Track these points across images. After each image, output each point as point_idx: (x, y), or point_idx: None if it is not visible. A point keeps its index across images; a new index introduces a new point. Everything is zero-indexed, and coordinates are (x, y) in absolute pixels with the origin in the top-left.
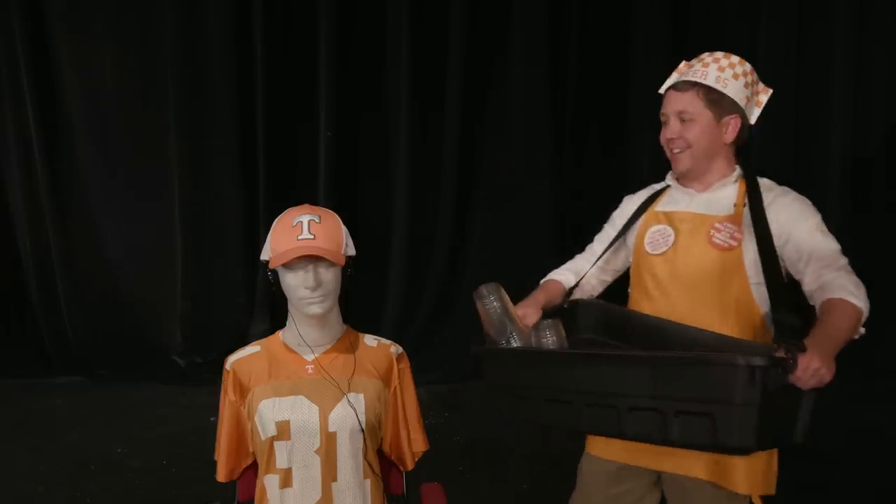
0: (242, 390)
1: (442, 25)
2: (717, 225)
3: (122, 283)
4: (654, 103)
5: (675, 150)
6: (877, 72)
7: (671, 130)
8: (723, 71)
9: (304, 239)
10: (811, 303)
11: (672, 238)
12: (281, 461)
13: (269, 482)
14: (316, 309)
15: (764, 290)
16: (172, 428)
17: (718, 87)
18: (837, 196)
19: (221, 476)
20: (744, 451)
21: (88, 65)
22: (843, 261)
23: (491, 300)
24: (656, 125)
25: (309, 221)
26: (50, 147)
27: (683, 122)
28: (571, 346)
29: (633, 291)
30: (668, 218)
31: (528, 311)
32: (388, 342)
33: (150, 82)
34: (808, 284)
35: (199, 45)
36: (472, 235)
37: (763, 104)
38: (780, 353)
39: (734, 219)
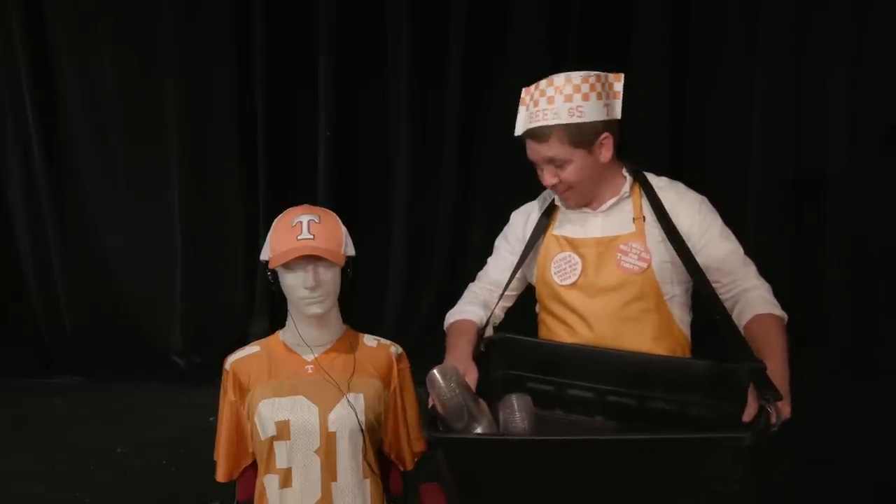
0: (242, 390)
1: (442, 25)
2: (622, 247)
3: (122, 283)
4: (653, 103)
5: (560, 191)
6: (876, 72)
7: (548, 177)
8: (571, 100)
9: (304, 239)
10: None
11: (579, 267)
12: (281, 461)
13: (269, 482)
14: (316, 309)
15: (678, 300)
16: (172, 428)
17: (575, 119)
18: (836, 196)
19: (221, 476)
20: None
21: (88, 64)
22: (752, 267)
23: (452, 387)
24: (656, 124)
25: (308, 221)
26: (50, 147)
27: (558, 167)
28: (487, 386)
29: (546, 318)
30: (571, 244)
31: (467, 371)
32: (387, 342)
33: (150, 82)
34: (722, 294)
35: (198, 45)
36: (473, 235)
37: (622, 92)
38: (771, 414)
39: (637, 236)
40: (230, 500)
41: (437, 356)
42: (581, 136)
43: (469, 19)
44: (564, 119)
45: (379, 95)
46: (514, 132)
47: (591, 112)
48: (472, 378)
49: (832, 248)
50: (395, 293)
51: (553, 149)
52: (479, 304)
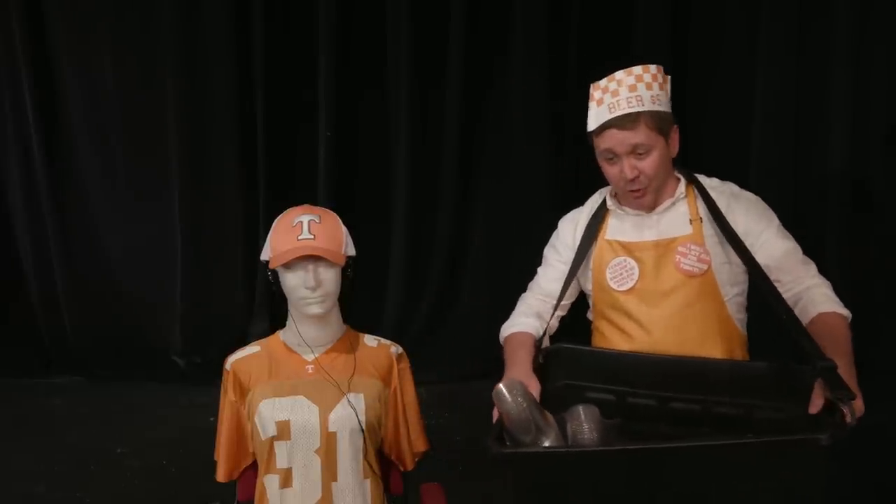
0: (242, 390)
1: (442, 25)
2: (681, 249)
3: (122, 283)
4: None
5: (635, 188)
6: (877, 72)
7: (630, 169)
8: (651, 88)
9: (304, 239)
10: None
11: (637, 271)
12: (281, 461)
13: (269, 482)
14: (316, 309)
15: (736, 299)
16: (172, 428)
17: (657, 107)
18: (836, 196)
19: (221, 476)
20: None
21: (88, 64)
22: (812, 266)
23: (519, 401)
24: None
25: (309, 221)
26: (50, 147)
27: (639, 156)
28: (546, 397)
29: (601, 325)
30: (626, 249)
31: (530, 384)
32: (388, 342)
33: (150, 82)
34: (783, 293)
35: (198, 45)
36: (472, 235)
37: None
38: (846, 414)
39: (695, 237)
40: (230, 500)
41: (438, 356)
42: (662, 123)
43: (469, 19)
44: (648, 106)
45: (379, 95)
46: (521, 130)
47: (665, 102)
48: (534, 391)
49: (832, 248)
50: (395, 293)
51: (640, 135)
52: (533, 315)
